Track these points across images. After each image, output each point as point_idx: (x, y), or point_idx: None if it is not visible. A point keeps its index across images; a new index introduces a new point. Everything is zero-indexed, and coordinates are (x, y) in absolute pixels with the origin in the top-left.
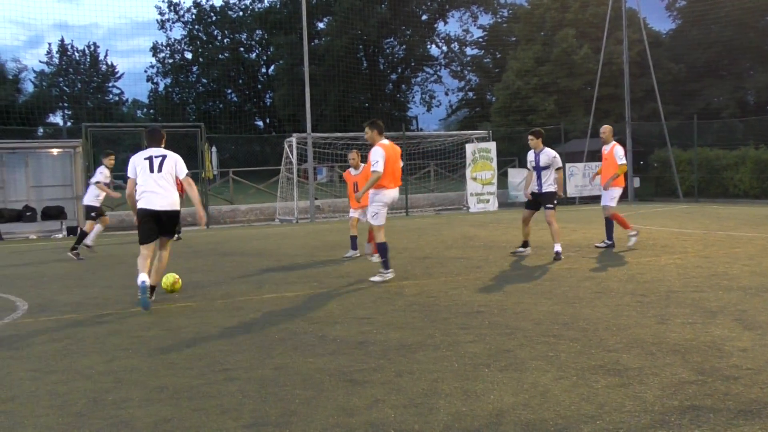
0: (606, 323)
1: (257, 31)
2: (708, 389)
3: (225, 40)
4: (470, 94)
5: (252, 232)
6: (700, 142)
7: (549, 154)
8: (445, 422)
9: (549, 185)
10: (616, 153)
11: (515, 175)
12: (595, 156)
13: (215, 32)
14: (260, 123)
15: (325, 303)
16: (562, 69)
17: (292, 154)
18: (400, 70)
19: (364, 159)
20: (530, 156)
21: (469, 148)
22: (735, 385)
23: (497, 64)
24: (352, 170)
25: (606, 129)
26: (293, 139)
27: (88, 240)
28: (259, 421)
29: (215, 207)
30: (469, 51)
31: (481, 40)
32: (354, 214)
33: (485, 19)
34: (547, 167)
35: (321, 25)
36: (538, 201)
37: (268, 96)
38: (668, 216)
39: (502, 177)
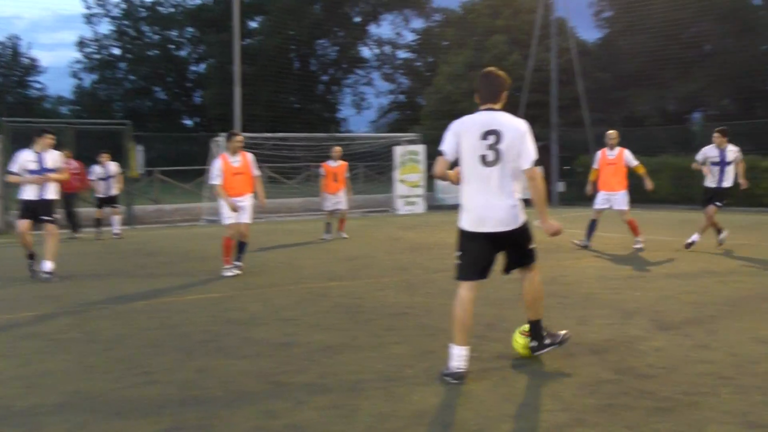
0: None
1: (188, 29)
2: (624, 387)
3: (155, 37)
4: (401, 97)
5: (177, 232)
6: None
7: (734, 150)
8: (368, 423)
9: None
10: None
11: None
12: None
13: (144, 28)
14: (189, 122)
15: (250, 304)
16: None
17: None
18: (331, 72)
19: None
20: (713, 152)
21: (398, 150)
22: (650, 384)
23: (429, 67)
24: (331, 162)
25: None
26: (221, 139)
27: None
28: (180, 425)
29: (140, 207)
30: (400, 54)
31: (413, 43)
32: (328, 204)
33: (418, 23)
34: (730, 163)
35: (254, 24)
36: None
37: (197, 95)
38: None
39: (430, 180)
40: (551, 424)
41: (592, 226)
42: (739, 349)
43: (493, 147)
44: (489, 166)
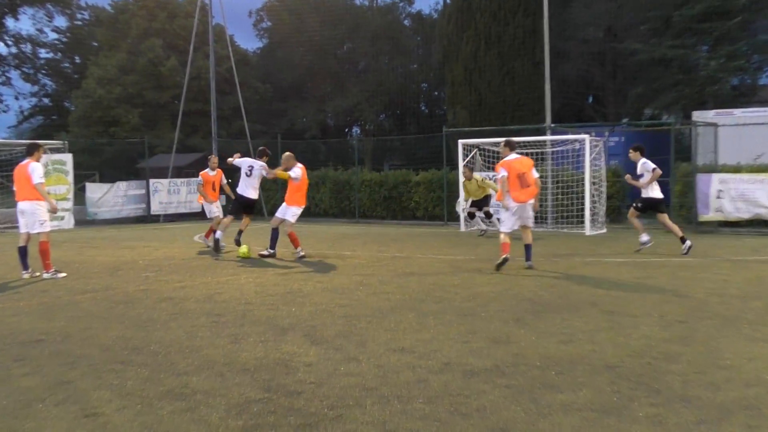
0: (179, 346)
1: None
2: (272, 406)
3: None
4: (45, 100)
5: None
6: None
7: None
8: None
9: None
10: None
11: (95, 191)
12: (181, 172)
13: None
14: None
15: None
16: (148, 80)
17: None
18: None
19: None
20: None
21: (42, 159)
22: (298, 400)
23: (77, 69)
24: None
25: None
26: None
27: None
28: None
29: None
30: (44, 53)
31: (57, 42)
32: None
33: (63, 21)
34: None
35: None
36: None
37: None
38: (253, 234)
39: (80, 192)
40: None
41: (275, 234)
42: (384, 359)
43: (251, 170)
44: (248, 177)
